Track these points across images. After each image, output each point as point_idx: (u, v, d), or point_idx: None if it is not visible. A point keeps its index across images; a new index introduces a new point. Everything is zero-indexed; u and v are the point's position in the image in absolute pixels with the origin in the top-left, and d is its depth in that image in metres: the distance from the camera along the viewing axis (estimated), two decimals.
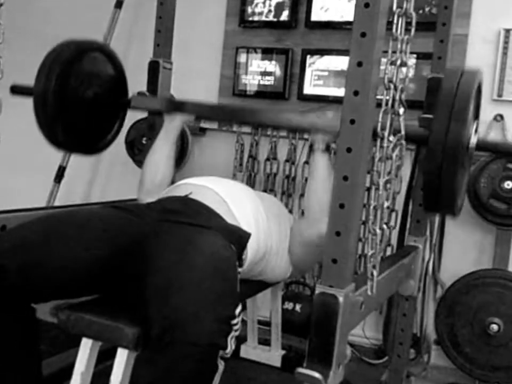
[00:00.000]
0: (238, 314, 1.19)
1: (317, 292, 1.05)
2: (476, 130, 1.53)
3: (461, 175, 1.50)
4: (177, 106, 1.95)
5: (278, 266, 1.71)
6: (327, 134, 1.61)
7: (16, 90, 2.00)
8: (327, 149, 1.63)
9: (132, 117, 2.40)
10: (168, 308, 1.13)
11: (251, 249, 1.52)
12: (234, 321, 1.17)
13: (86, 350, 1.34)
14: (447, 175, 1.39)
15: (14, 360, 1.32)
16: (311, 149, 1.66)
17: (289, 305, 2.46)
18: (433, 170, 1.41)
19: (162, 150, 1.90)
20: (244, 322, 2.29)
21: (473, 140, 1.48)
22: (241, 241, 1.40)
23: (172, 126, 1.90)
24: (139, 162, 2.74)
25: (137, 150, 2.83)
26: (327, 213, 1.56)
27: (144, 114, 2.32)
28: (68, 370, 1.73)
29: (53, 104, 1.79)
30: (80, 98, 1.90)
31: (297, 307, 2.46)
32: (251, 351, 2.20)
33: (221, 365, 1.18)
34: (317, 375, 1.01)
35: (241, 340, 2.23)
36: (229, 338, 1.15)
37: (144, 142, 2.67)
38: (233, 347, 1.18)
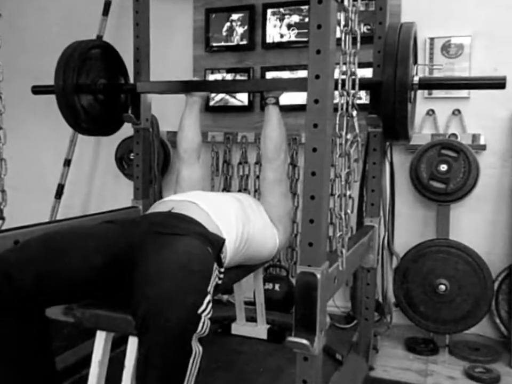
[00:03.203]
0: (207, 303, 1.14)
1: (298, 271, 1.06)
2: (417, 73, 1.72)
3: (410, 108, 1.70)
4: (177, 87, 2.04)
5: (263, 242, 1.73)
6: (276, 93, 1.85)
7: (37, 90, 2.08)
8: (277, 103, 1.84)
9: (119, 136, 2.38)
10: (144, 301, 1.11)
11: (230, 244, 1.53)
12: (203, 308, 1.13)
13: (101, 340, 1.32)
14: (399, 108, 1.59)
15: (30, 359, 1.29)
16: (265, 103, 1.87)
17: (269, 286, 2.48)
18: (389, 106, 1.60)
19: (188, 122, 1.99)
20: (232, 304, 2.31)
21: (416, 79, 1.66)
22: (217, 245, 1.39)
23: (192, 100, 2.00)
24: (129, 175, 2.72)
25: (126, 165, 2.80)
26: (280, 150, 1.78)
27: (129, 133, 2.29)
28: (84, 361, 1.72)
29: (72, 96, 1.88)
30: (93, 88, 1.99)
31: (276, 286, 2.48)
32: (240, 328, 2.21)
33: (198, 349, 1.13)
34: (304, 341, 1.03)
35: (231, 319, 2.24)
36: (200, 324, 1.11)
37: (131, 157, 2.65)
38: (207, 330, 1.13)
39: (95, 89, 2.00)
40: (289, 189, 2.01)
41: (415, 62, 1.78)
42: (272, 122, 1.82)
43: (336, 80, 1.12)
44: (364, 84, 1.39)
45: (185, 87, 2.02)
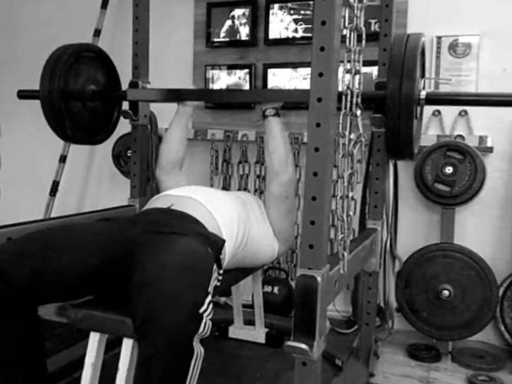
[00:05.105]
0: (208, 303, 1.15)
1: (298, 274, 1.06)
2: (424, 87, 1.64)
3: (416, 125, 1.63)
4: (171, 95, 1.98)
5: (262, 248, 1.72)
6: (274, 104, 1.77)
7: (23, 95, 2.02)
8: (277, 113, 1.76)
9: (117, 132, 2.37)
10: (144, 301, 1.11)
11: (229, 244, 1.52)
12: (204, 308, 1.13)
13: (94, 342, 1.32)
14: (404, 125, 1.52)
15: (20, 358, 1.28)
16: (264, 116, 1.78)
17: (268, 289, 2.48)
18: (392, 122, 1.53)
19: (175, 132, 1.96)
20: (230, 307, 2.31)
21: (423, 94, 1.58)
22: (216, 246, 1.39)
23: (184, 110, 1.97)
24: (126, 173, 2.72)
25: (123, 162, 2.80)
26: (286, 163, 1.69)
27: (127, 130, 2.29)
28: (76, 363, 1.72)
29: (58, 102, 1.81)
30: (81, 95, 1.92)
31: (275, 289, 2.48)
32: (238, 331, 2.21)
33: (200, 350, 1.13)
34: (303, 346, 1.02)
35: (228, 322, 2.24)
36: (201, 325, 1.11)
37: (129, 154, 2.65)
38: (208, 331, 1.13)
39: (84, 96, 1.93)
40: (296, 204, 1.95)
41: (423, 75, 1.72)
42: (275, 136, 1.72)
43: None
44: (366, 98, 1.33)
45: (179, 96, 1.97)
